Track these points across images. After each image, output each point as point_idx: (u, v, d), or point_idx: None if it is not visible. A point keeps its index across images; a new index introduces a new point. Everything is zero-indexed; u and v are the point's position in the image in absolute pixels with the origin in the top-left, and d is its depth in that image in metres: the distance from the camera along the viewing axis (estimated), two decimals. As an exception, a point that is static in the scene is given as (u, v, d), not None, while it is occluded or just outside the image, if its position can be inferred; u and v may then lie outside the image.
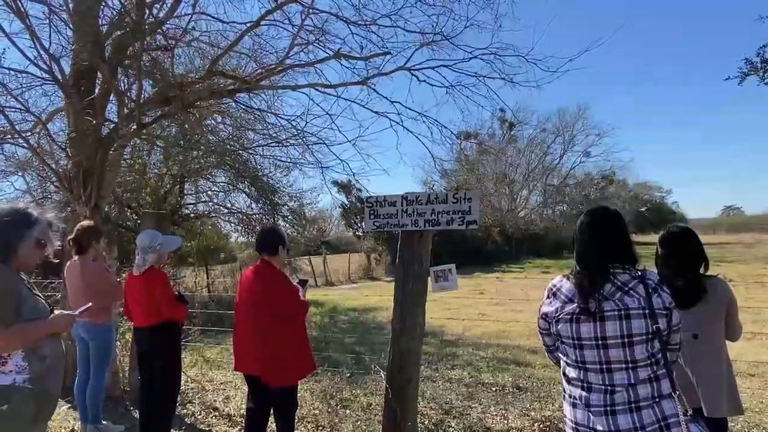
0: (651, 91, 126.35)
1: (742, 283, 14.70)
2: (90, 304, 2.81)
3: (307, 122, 7.99)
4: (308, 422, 4.96)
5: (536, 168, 43.01)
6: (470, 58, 7.04)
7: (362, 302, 14.92)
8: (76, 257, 4.64)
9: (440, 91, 7.28)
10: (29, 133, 6.51)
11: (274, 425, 3.80)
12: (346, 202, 30.87)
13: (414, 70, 7.16)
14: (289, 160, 10.70)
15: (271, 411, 3.82)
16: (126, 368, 5.87)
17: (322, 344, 8.66)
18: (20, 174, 10.09)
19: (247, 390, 3.99)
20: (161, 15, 5.99)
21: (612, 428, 1.93)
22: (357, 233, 33.07)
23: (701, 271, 2.86)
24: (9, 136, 6.46)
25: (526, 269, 26.64)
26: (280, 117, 8.48)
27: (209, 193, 14.20)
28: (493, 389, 5.92)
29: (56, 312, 2.45)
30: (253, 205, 13.68)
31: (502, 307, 12.72)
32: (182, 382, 5.00)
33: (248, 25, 6.55)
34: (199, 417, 5.24)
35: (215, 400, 5.65)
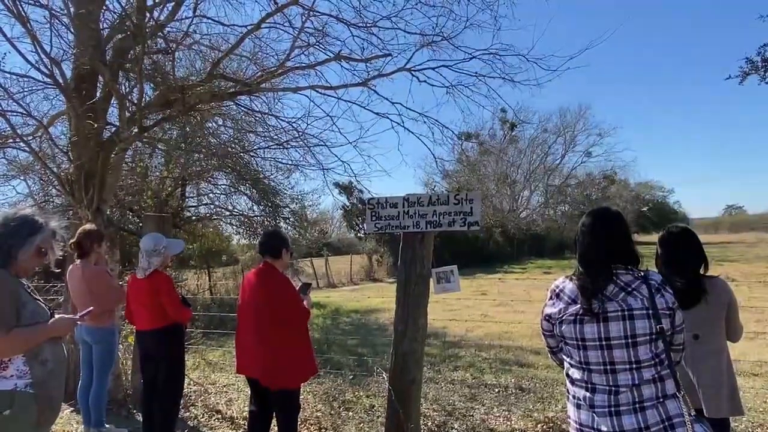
0: (653, 90, 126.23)
1: (744, 282, 14.67)
2: (91, 307, 2.81)
3: (308, 124, 8.01)
4: (311, 424, 4.96)
5: (537, 168, 42.96)
6: (470, 58, 7.04)
7: (364, 304, 14.92)
8: (77, 261, 4.65)
9: (441, 92, 7.35)
10: (31, 137, 6.53)
11: (276, 428, 3.79)
12: (348, 204, 30.86)
13: (414, 70, 7.16)
14: (290, 162, 10.71)
15: (274, 414, 3.82)
16: (129, 371, 5.87)
17: (324, 346, 8.66)
18: (22, 178, 10.13)
19: (249, 393, 3.99)
20: (162, 18, 6.00)
21: (616, 429, 1.93)
22: (359, 235, 33.03)
23: (701, 271, 2.85)
24: (11, 140, 6.47)
25: (528, 270, 26.61)
26: (281, 119, 8.50)
27: (211, 195, 14.22)
28: (496, 390, 5.91)
29: (57, 316, 2.45)
30: (255, 208, 13.69)
31: (504, 308, 12.71)
32: (185, 385, 5.01)
33: (249, 27, 6.56)
34: (201, 420, 5.24)
35: (218, 403, 5.65)
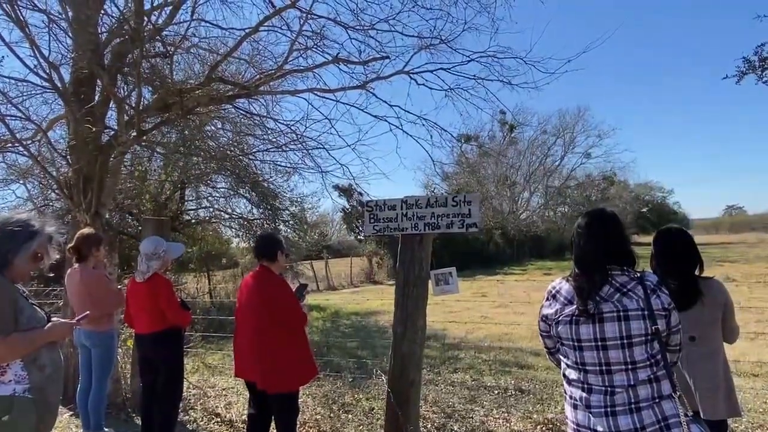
0: (652, 91, 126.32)
1: (745, 282, 14.68)
2: (88, 311, 2.81)
3: (306, 127, 8.00)
4: (310, 427, 4.96)
5: (537, 170, 42.99)
6: (468, 61, 7.06)
7: (364, 306, 14.91)
8: (76, 265, 4.65)
9: (439, 94, 7.33)
10: (30, 141, 6.53)
11: (275, 431, 3.79)
12: (347, 206, 30.86)
13: (413, 73, 7.17)
14: (289, 165, 10.70)
15: (273, 417, 3.82)
16: (128, 375, 5.87)
17: (324, 349, 8.65)
18: (21, 182, 10.12)
19: (248, 396, 3.99)
20: (160, 22, 6.01)
21: (612, 429, 1.93)
22: (359, 237, 33.05)
23: (696, 272, 2.84)
24: (10, 145, 6.47)
25: (528, 271, 26.60)
26: (280, 122, 8.50)
27: (210, 198, 14.21)
28: (496, 392, 5.91)
29: (54, 320, 2.45)
30: (254, 211, 13.69)
31: (504, 310, 12.70)
32: (184, 389, 5.00)
33: (247, 31, 6.58)
34: (201, 423, 5.24)
35: (217, 406, 5.65)
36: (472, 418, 5.11)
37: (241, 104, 8.24)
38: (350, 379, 6.52)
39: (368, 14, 7.00)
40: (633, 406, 1.92)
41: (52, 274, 2.66)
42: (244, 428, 4.66)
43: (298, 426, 4.02)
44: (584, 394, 2.02)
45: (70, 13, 5.77)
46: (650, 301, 1.97)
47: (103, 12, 6.14)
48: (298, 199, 13.45)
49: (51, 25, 5.67)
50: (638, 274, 2.05)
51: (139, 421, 4.92)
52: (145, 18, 5.62)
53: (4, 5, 5.05)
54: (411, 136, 7.71)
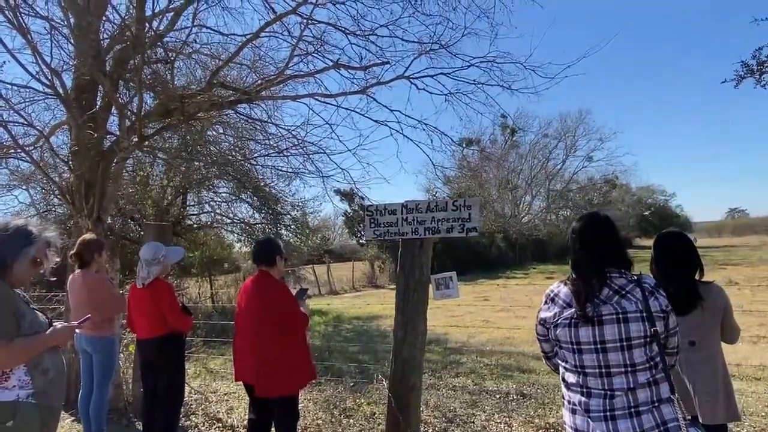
0: (654, 94, 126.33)
1: (747, 286, 14.62)
2: (89, 315, 2.82)
3: (307, 132, 8.04)
4: (311, 432, 4.96)
5: (539, 173, 43.01)
6: (468, 66, 7.08)
7: (366, 310, 14.92)
8: (78, 270, 4.66)
9: (439, 99, 7.36)
10: (32, 147, 6.56)
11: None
12: (349, 211, 30.90)
13: (413, 78, 7.19)
14: (290, 170, 10.74)
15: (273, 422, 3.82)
16: (129, 380, 5.88)
17: (325, 353, 8.65)
18: (24, 187, 10.17)
19: (249, 401, 3.99)
20: (161, 28, 6.04)
21: None
22: (360, 241, 33.07)
23: (696, 276, 2.84)
24: (12, 151, 6.50)
25: (531, 275, 26.60)
26: (281, 127, 8.54)
27: (211, 203, 14.26)
28: (497, 396, 5.90)
29: (56, 324, 2.46)
30: (256, 215, 13.73)
31: (506, 314, 12.69)
32: (186, 393, 5.01)
33: (248, 36, 6.61)
34: (202, 428, 5.24)
35: (218, 411, 5.65)
36: (473, 422, 5.11)
37: (243, 109, 8.28)
38: (351, 384, 6.52)
39: (368, 20, 7.05)
40: (632, 410, 1.92)
41: (54, 278, 2.66)
42: (245, 433, 4.66)
43: (299, 431, 4.02)
44: (583, 398, 2.02)
45: (72, 20, 5.81)
46: (648, 303, 1.97)
47: (104, 18, 6.18)
48: (300, 204, 13.49)
49: (53, 32, 5.71)
50: (636, 277, 2.06)
51: (140, 427, 4.93)
52: (147, 24, 5.65)
53: (6, 12, 5.08)
54: (411, 140, 7.73)
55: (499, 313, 12.85)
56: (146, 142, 6.79)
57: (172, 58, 6.20)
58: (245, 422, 4.94)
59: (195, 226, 14.64)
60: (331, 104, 7.43)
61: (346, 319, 13.83)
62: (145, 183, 11.89)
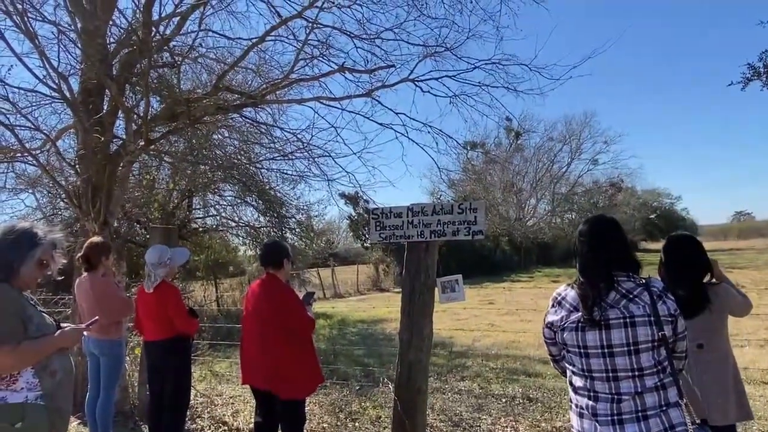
0: (659, 96, 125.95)
1: (754, 289, 14.53)
2: (97, 317, 2.83)
3: (312, 135, 8.05)
4: (317, 435, 4.95)
5: (544, 176, 42.89)
6: (473, 69, 7.08)
7: (371, 314, 14.91)
8: (85, 274, 4.68)
9: (444, 102, 7.38)
10: (39, 151, 6.59)
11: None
12: (354, 214, 30.90)
13: (418, 81, 7.20)
14: (295, 173, 10.75)
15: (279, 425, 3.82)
16: (136, 383, 5.89)
17: (331, 357, 8.64)
18: (30, 191, 10.21)
19: (255, 404, 3.99)
20: (168, 33, 6.07)
21: None
22: (365, 244, 33.05)
23: (705, 279, 2.83)
24: (19, 154, 6.54)
25: (536, 278, 26.51)
26: (286, 131, 8.56)
27: (217, 207, 14.27)
28: (503, 400, 5.88)
29: (64, 327, 2.46)
30: (261, 218, 13.74)
31: (511, 317, 12.64)
32: (192, 397, 5.01)
33: (253, 40, 6.63)
34: (208, 431, 5.24)
35: (224, 414, 5.65)
36: (479, 426, 5.09)
37: (248, 113, 8.30)
38: (357, 387, 6.51)
39: (374, 24, 7.05)
40: (640, 414, 1.92)
41: (61, 278, 2.67)
42: (251, 436, 4.66)
43: (304, 434, 4.01)
44: (590, 402, 2.02)
45: (79, 24, 5.84)
46: (656, 307, 1.96)
47: (111, 23, 6.21)
48: (305, 207, 13.49)
49: (60, 36, 5.75)
50: (644, 280, 2.05)
51: (146, 430, 4.94)
52: (153, 29, 5.69)
53: (14, 17, 5.12)
54: (416, 143, 7.73)
55: (505, 317, 12.81)
56: (152, 146, 6.82)
57: (178, 62, 6.22)
58: (251, 425, 4.94)
59: (200, 229, 14.67)
60: (336, 107, 7.46)
61: (351, 323, 13.82)
62: (151, 186, 11.92)
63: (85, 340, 4.60)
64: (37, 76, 5.46)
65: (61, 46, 5.80)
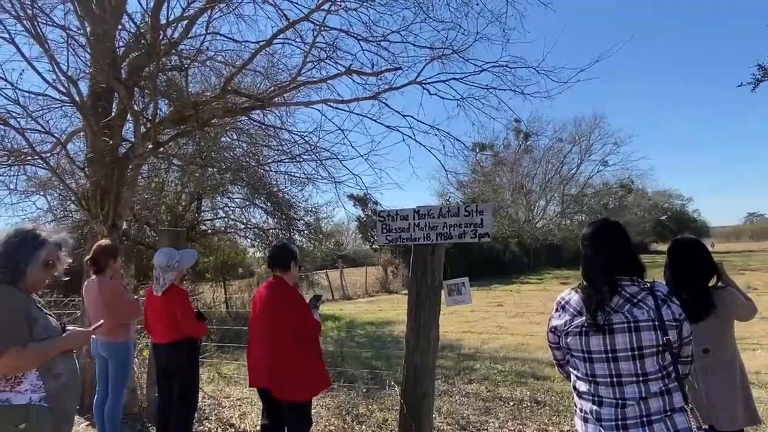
0: (670, 97, 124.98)
1: (767, 291, 14.37)
2: (102, 320, 2.84)
3: (319, 138, 8.07)
4: (324, 438, 4.95)
5: (553, 178, 42.68)
6: (480, 71, 7.05)
7: (379, 316, 14.89)
8: (93, 276, 4.71)
9: (451, 104, 7.37)
10: (49, 154, 6.65)
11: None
12: (363, 216, 30.89)
13: (425, 83, 7.19)
14: (303, 176, 10.79)
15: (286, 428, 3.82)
16: (144, 385, 5.92)
17: (339, 359, 8.64)
18: (42, 194, 10.29)
19: (262, 406, 4.00)
20: (176, 36, 6.11)
21: None
22: (374, 247, 33.05)
23: (711, 283, 2.80)
24: (29, 158, 6.60)
25: (545, 280, 26.37)
26: (294, 133, 8.58)
27: (226, 209, 14.35)
28: (511, 404, 5.85)
29: (69, 329, 2.48)
30: (270, 220, 13.80)
31: (520, 320, 12.59)
32: (199, 399, 5.03)
33: (261, 43, 6.66)
34: (215, 433, 5.26)
35: (231, 416, 5.67)
36: (486, 430, 5.07)
37: (256, 116, 8.33)
38: (364, 390, 6.50)
39: (380, 26, 7.06)
40: (644, 419, 1.90)
41: (67, 278, 2.68)
42: (257, 439, 4.66)
43: (311, 437, 4.01)
44: (595, 407, 2.00)
45: (88, 29, 5.89)
46: (661, 312, 1.94)
47: (120, 27, 6.26)
48: (313, 209, 13.54)
49: (69, 41, 5.80)
50: (648, 284, 2.02)
51: (154, 431, 4.96)
52: (161, 32, 5.72)
53: (24, 22, 5.17)
54: (423, 146, 7.72)
55: (513, 319, 12.76)
56: (161, 149, 6.87)
57: (186, 66, 6.25)
58: (258, 428, 4.95)
59: (209, 231, 14.75)
60: (344, 110, 7.47)
61: (359, 325, 13.81)
62: (161, 189, 12.00)
63: (94, 343, 4.63)
64: (46, 80, 5.52)
65: (71, 51, 5.85)
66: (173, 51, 6.21)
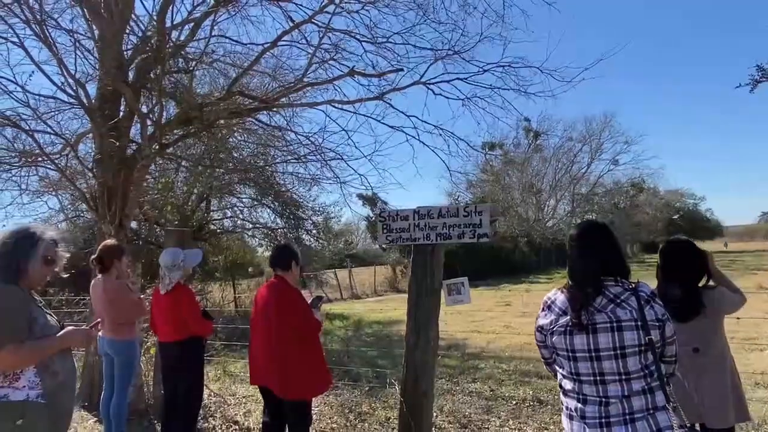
0: (681, 97, 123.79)
1: (778, 292, 14.24)
2: (99, 319, 2.91)
3: (324, 138, 8.13)
4: (326, 436, 5.00)
5: (563, 177, 42.49)
6: (484, 71, 7.07)
7: (387, 315, 14.92)
8: (99, 275, 4.80)
9: (456, 104, 7.40)
10: (58, 156, 6.77)
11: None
12: (371, 215, 30.94)
13: (429, 84, 7.22)
14: (309, 176, 10.87)
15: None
16: (150, 382, 6.01)
17: (345, 358, 8.70)
18: (53, 194, 10.45)
19: (263, 404, 4.06)
20: (182, 39, 6.19)
21: None
22: (382, 246, 33.08)
23: (701, 283, 2.82)
24: (40, 159, 6.72)
25: (555, 280, 26.26)
26: (299, 134, 8.65)
27: (234, 209, 14.47)
28: (513, 403, 5.87)
29: (68, 328, 2.54)
30: (278, 220, 13.90)
31: (528, 319, 12.53)
32: (205, 396, 5.10)
33: (266, 45, 6.73)
34: (219, 430, 5.33)
35: (236, 414, 5.74)
36: (487, 428, 5.10)
37: (263, 117, 8.41)
38: (367, 389, 6.55)
39: (382, 28, 7.11)
40: (627, 417, 1.93)
41: (66, 275, 2.74)
42: (260, 436, 4.73)
43: (312, 434, 4.07)
44: (579, 405, 2.04)
45: (95, 32, 5.99)
46: (644, 312, 1.97)
47: (127, 30, 6.36)
48: (321, 209, 13.62)
49: (77, 44, 5.90)
50: (632, 285, 2.06)
51: (160, 428, 5.04)
52: (167, 35, 5.81)
53: (33, 26, 5.28)
54: (428, 146, 7.74)
55: (521, 318, 12.73)
56: (168, 150, 6.96)
57: (191, 68, 6.34)
58: (261, 425, 5.02)
59: (218, 231, 14.88)
60: (348, 111, 7.52)
61: (367, 324, 13.87)
62: (169, 189, 12.13)
63: (101, 341, 4.72)
64: (55, 83, 5.62)
65: (79, 54, 5.96)
66: (179, 53, 6.30)
